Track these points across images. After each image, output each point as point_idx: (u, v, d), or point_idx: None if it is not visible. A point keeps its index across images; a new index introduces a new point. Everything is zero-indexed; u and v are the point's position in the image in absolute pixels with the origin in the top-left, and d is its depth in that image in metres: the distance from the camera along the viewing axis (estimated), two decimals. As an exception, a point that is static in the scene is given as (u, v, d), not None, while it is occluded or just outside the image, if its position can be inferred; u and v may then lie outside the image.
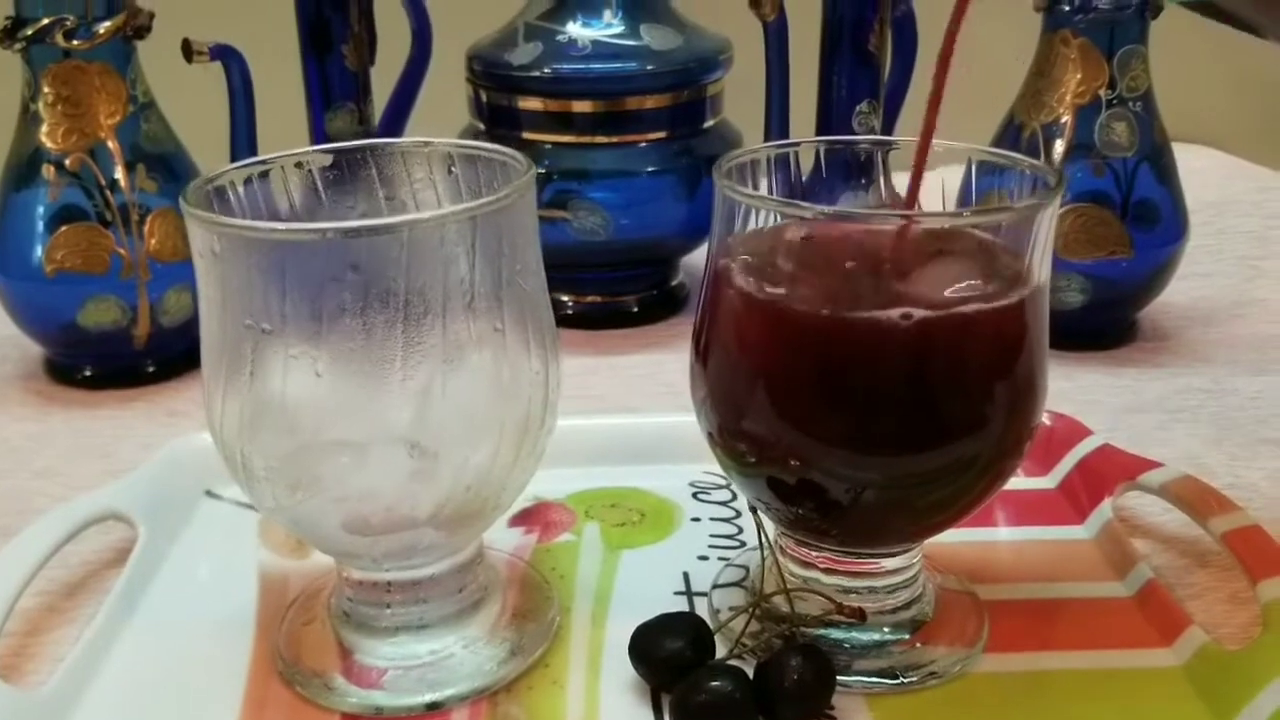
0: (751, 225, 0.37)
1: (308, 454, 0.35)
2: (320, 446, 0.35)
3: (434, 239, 0.33)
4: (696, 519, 0.49)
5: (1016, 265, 0.36)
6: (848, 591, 0.40)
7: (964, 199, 0.41)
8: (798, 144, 0.41)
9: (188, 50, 0.60)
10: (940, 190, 0.42)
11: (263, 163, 0.39)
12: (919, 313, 0.34)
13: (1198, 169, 0.64)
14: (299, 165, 0.40)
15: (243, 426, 0.35)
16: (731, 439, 0.38)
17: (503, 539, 0.47)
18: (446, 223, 0.33)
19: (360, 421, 0.34)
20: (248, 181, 0.38)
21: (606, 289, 0.70)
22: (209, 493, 0.50)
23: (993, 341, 0.35)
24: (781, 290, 0.36)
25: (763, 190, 0.40)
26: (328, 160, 0.40)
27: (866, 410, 0.35)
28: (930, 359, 0.35)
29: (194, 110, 0.65)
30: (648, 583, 0.45)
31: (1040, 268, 0.36)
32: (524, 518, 0.49)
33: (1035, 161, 0.38)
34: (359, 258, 0.32)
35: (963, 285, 0.35)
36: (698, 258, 0.74)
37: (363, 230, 0.33)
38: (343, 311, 0.33)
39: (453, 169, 0.40)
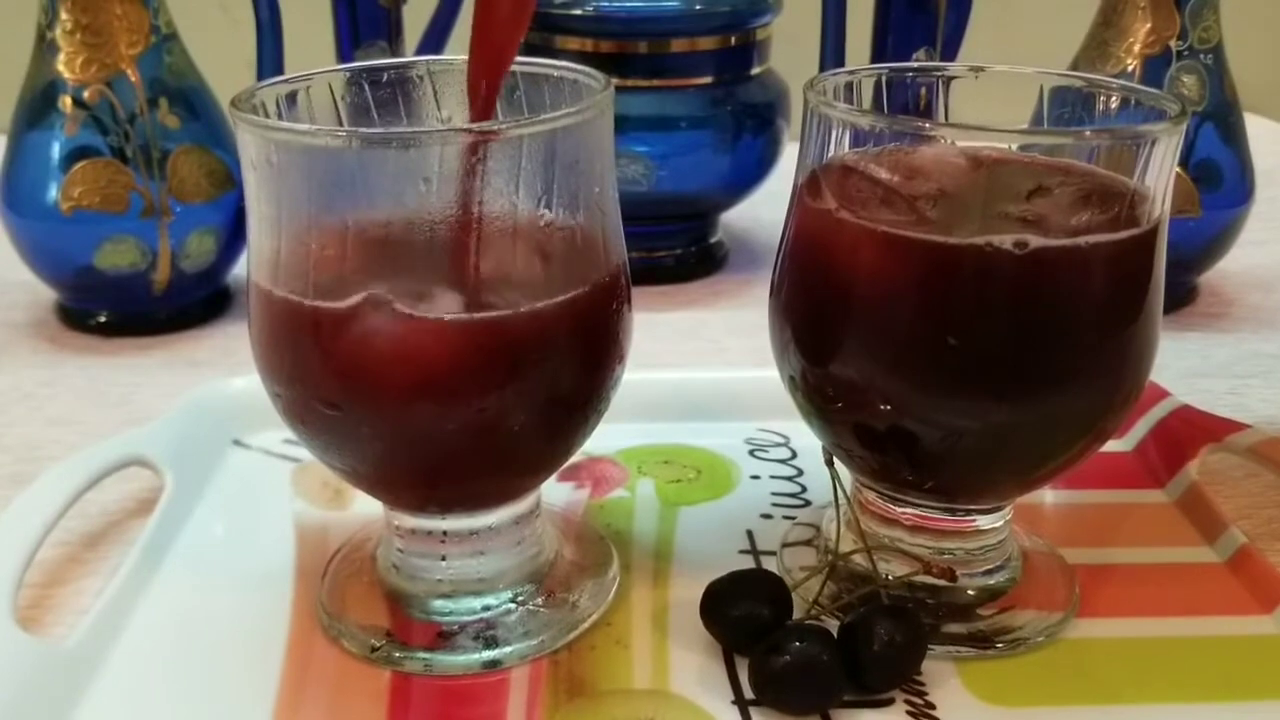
0: (842, 151, 0.35)
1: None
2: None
3: (512, 151, 0.30)
4: (756, 476, 0.46)
5: (1138, 198, 0.33)
6: (936, 551, 0.37)
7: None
8: (891, 68, 0.38)
9: (214, -22, 0.56)
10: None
11: (307, 78, 0.36)
12: (1035, 241, 0.31)
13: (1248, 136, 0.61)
14: (350, 81, 0.37)
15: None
16: (817, 382, 0.36)
17: (553, 494, 0.44)
18: (525, 134, 0.30)
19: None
20: (291, 97, 0.35)
21: (643, 244, 0.66)
22: (237, 442, 0.47)
23: (1112, 279, 0.33)
24: (881, 215, 0.33)
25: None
26: (381, 76, 0.37)
27: (969, 351, 0.33)
28: (1043, 294, 0.32)
29: (215, 48, 0.62)
30: (710, 541, 0.42)
31: (1163, 203, 0.33)
32: (574, 472, 0.46)
33: (1153, 90, 0.36)
34: (431, 169, 0.29)
35: (1083, 214, 0.32)
36: (736, 216, 0.72)
37: (435, 138, 0.30)
38: (412, 227, 0.30)
39: (516, 90, 0.37)
